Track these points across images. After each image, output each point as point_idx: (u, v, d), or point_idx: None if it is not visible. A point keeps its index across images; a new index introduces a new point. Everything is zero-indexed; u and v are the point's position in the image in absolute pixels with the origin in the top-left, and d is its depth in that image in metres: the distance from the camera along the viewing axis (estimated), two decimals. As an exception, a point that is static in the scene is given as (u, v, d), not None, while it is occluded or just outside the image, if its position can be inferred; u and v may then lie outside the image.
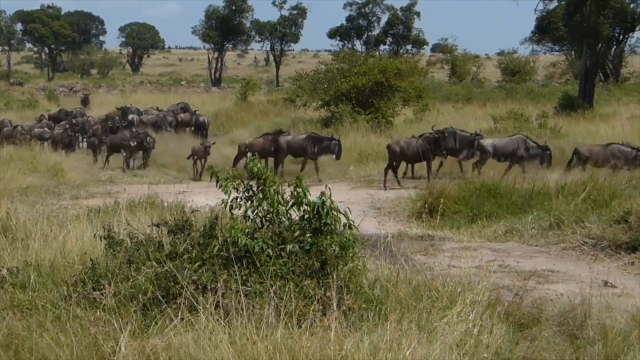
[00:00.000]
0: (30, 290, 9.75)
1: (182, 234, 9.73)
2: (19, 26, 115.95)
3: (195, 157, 29.32)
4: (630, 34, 70.97)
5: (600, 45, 50.29)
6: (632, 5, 65.74)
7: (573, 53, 74.77)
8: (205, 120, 40.57)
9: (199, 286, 8.61)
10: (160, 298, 8.69)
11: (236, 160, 28.66)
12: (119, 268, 9.36)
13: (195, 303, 8.32)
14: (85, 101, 54.27)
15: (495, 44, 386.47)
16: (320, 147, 27.50)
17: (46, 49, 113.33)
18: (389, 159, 25.85)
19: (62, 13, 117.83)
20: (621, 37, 70.77)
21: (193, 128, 40.37)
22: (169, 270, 8.83)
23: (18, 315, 8.95)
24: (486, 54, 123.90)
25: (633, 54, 77.20)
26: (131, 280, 9.08)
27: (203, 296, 8.43)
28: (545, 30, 69.47)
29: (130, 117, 40.09)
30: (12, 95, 64.13)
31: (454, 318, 8.59)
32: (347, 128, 35.58)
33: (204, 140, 31.67)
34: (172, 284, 8.73)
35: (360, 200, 21.53)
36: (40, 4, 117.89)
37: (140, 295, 8.83)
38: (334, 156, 27.50)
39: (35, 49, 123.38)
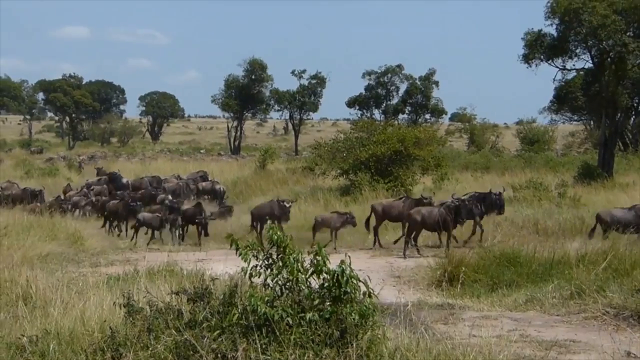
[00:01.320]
0: (50, 359, 9.72)
1: (202, 302, 9.70)
2: (40, 95, 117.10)
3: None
4: (649, 103, 71.19)
5: (619, 114, 50.34)
6: (650, 75, 65.97)
7: (592, 122, 75.03)
8: (221, 189, 40.68)
9: (219, 355, 8.58)
10: (180, 367, 8.66)
11: (368, 222, 28.05)
12: (138, 337, 9.33)
13: (214, 372, 8.29)
14: (99, 174, 54.71)
15: (513, 113, 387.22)
16: (485, 205, 27.20)
17: (67, 118, 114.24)
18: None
19: (84, 82, 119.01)
20: (640, 107, 70.97)
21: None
22: (188, 339, 8.80)
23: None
24: (505, 123, 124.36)
25: (652, 124, 77.33)
26: (150, 349, 9.04)
27: (223, 365, 8.41)
28: (563, 99, 69.68)
29: (124, 180, 41.19)
30: (33, 164, 64.61)
31: (475, 388, 8.52)
32: (366, 196, 35.61)
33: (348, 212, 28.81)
34: (192, 352, 8.70)
35: (379, 269, 21.45)
36: (62, 74, 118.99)
37: (159, 364, 8.80)
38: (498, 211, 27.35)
39: (57, 117, 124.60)
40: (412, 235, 25.61)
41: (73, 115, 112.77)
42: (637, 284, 15.50)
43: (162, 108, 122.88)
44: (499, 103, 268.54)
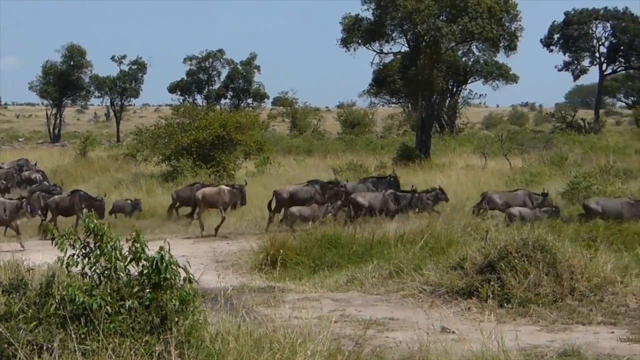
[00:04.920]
0: None
1: (17, 294, 9.48)
2: None
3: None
4: (463, 86, 73.75)
5: (435, 97, 51.90)
6: (464, 59, 68.23)
7: (410, 105, 76.78)
8: (38, 178, 39.10)
9: (35, 346, 8.41)
10: (-6, 360, 8.46)
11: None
12: (-50, 330, 9.03)
13: (30, 364, 8.14)
14: None
15: (334, 97, 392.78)
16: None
17: None
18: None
19: None
20: (455, 89, 73.39)
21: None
22: (2, 331, 8.59)
23: None
24: (326, 107, 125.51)
25: (466, 106, 79.92)
26: (-37, 342, 8.78)
27: (39, 357, 8.26)
28: (382, 83, 71.08)
29: None
30: None
31: (296, 369, 8.64)
32: (189, 182, 35.43)
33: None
34: (7, 345, 8.50)
35: (202, 254, 21.44)
36: None
37: (-28, 358, 8.58)
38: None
39: None
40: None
41: None
42: (451, 262, 16.03)
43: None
44: (320, 87, 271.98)
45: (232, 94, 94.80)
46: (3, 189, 35.80)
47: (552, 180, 33.32)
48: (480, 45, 54.37)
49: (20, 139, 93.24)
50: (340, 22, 49.15)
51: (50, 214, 27.60)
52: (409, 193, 26.43)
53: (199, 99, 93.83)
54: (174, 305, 9.01)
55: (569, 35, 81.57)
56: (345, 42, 49.07)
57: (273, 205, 26.88)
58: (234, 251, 22.05)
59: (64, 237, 9.30)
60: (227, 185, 27.94)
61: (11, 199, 26.63)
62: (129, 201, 29.77)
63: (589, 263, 15.13)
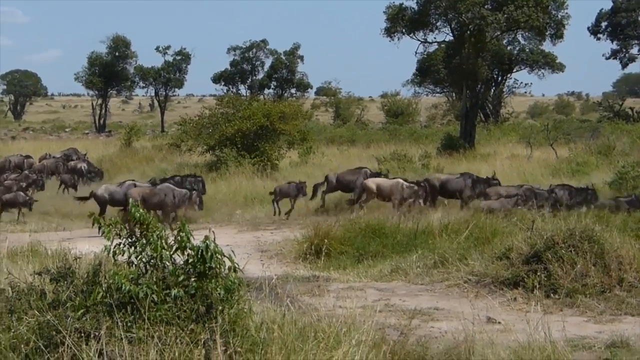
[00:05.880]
0: None
1: (65, 282, 9.54)
2: None
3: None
4: (508, 75, 73.11)
5: (479, 86, 51.46)
6: (509, 48, 67.66)
7: (454, 94, 76.42)
8: (83, 167, 39.48)
9: (82, 334, 8.47)
10: (43, 348, 8.51)
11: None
12: (0, 319, 9.13)
13: (77, 352, 8.19)
14: None
15: (378, 87, 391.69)
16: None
17: None
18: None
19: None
20: (500, 78, 72.80)
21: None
22: (50, 319, 8.67)
23: None
24: (370, 96, 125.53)
25: (512, 95, 79.33)
26: (13, 330, 8.86)
27: (86, 344, 8.31)
28: (426, 72, 70.79)
29: None
30: None
31: (340, 359, 8.63)
32: (232, 172, 35.57)
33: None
34: (55, 333, 8.56)
35: (246, 244, 21.49)
36: None
37: (22, 346, 8.64)
38: None
39: None
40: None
41: None
42: (497, 252, 15.93)
43: (24, 87, 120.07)
44: (363, 76, 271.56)
45: (275, 84, 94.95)
46: (70, 185, 35.75)
47: (599, 170, 33.05)
48: (526, 33, 53.98)
49: (66, 129, 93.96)
50: (384, 12, 48.93)
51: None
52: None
53: (243, 89, 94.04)
54: (219, 294, 9.01)
55: (617, 23, 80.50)
56: (389, 32, 48.84)
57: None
58: (278, 241, 22.09)
59: (111, 226, 9.35)
60: (406, 181, 26.82)
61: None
62: (292, 184, 28.36)
63: (638, 253, 14.97)
